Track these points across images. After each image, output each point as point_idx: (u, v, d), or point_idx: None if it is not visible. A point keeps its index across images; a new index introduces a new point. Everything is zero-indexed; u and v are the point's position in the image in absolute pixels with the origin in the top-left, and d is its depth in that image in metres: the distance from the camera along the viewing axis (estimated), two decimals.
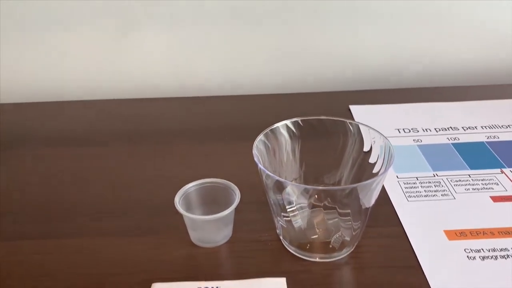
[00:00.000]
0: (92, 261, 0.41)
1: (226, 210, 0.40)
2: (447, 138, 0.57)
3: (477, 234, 0.42)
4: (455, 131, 0.58)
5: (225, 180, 0.43)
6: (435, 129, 0.59)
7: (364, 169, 0.42)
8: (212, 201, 0.43)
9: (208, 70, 0.72)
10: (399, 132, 0.58)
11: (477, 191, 0.48)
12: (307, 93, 0.70)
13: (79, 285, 0.39)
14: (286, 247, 0.41)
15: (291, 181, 0.44)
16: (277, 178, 0.37)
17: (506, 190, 0.48)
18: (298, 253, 0.41)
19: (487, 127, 0.58)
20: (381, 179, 0.38)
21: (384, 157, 0.40)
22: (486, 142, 0.56)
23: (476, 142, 0.56)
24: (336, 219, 0.39)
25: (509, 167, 0.51)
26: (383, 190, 0.48)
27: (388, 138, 0.41)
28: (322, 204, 0.38)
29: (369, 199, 0.38)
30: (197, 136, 0.59)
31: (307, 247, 0.40)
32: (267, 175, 0.38)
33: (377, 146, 0.42)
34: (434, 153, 0.54)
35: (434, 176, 0.50)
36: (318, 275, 0.39)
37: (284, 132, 0.44)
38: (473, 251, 0.41)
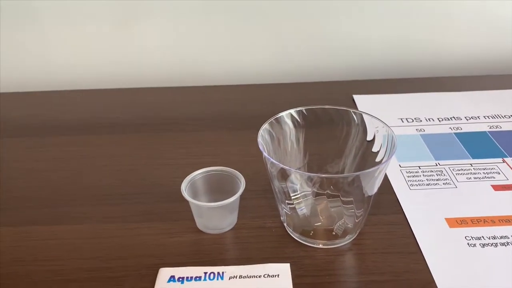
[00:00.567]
0: (101, 245, 0.42)
1: (231, 198, 0.41)
2: (450, 127, 0.57)
3: (478, 222, 0.43)
4: (458, 121, 0.58)
5: (230, 168, 0.44)
6: (438, 118, 0.59)
7: (367, 158, 0.43)
8: (217, 188, 0.44)
9: (213, 60, 0.72)
10: (402, 121, 0.59)
11: (479, 180, 0.48)
12: (311, 82, 0.70)
13: (87, 268, 0.40)
14: (290, 233, 0.42)
15: (295, 169, 0.45)
16: (282, 166, 0.38)
17: (508, 179, 0.48)
18: (301, 240, 0.41)
19: (489, 117, 0.59)
20: (384, 167, 0.38)
21: (387, 146, 0.41)
22: (489, 131, 0.56)
23: (479, 132, 0.56)
24: (339, 207, 0.40)
25: (510, 156, 0.52)
26: (386, 178, 0.48)
27: (391, 127, 0.41)
28: (326, 192, 0.39)
29: (372, 187, 0.39)
30: (203, 125, 0.60)
31: (311, 234, 0.41)
32: (272, 163, 0.38)
33: (380, 135, 0.42)
34: (437, 142, 0.54)
35: (436, 165, 0.51)
36: (321, 261, 0.40)
37: (288, 121, 0.44)
38: (473, 238, 0.41)
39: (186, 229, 0.43)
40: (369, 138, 0.43)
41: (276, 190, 0.41)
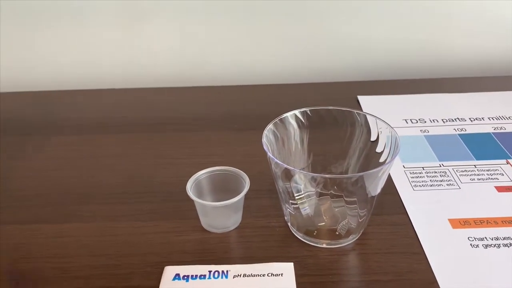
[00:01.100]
0: (108, 243, 0.43)
1: (236, 197, 0.41)
2: (454, 129, 0.57)
3: (481, 223, 0.43)
4: (462, 122, 0.59)
5: (235, 168, 0.45)
6: (442, 120, 0.59)
7: (370, 159, 0.43)
8: (222, 188, 0.44)
9: (218, 60, 0.73)
10: (407, 122, 0.59)
11: (482, 181, 0.49)
12: (315, 83, 0.70)
13: (94, 265, 0.40)
14: (294, 233, 0.43)
15: (299, 169, 0.45)
16: (286, 166, 0.38)
17: (511, 181, 0.48)
18: (305, 239, 0.42)
19: (494, 119, 0.59)
20: (387, 168, 0.39)
21: (391, 147, 0.41)
22: (493, 133, 0.56)
23: (483, 133, 0.56)
24: (343, 207, 0.40)
25: None
26: (390, 179, 0.49)
27: (394, 128, 0.42)
28: (329, 192, 0.39)
29: (375, 188, 0.40)
30: (208, 125, 0.60)
31: (314, 234, 0.41)
32: (276, 163, 0.39)
33: (383, 136, 0.43)
34: (441, 143, 0.55)
35: (440, 166, 0.51)
36: (324, 260, 0.40)
37: (293, 121, 0.45)
38: (476, 239, 0.42)
39: (191, 228, 0.44)
40: (373, 138, 0.44)
41: (280, 190, 0.41)
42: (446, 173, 0.50)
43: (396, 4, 0.69)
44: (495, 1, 0.69)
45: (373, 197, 0.40)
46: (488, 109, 0.61)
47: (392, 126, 0.42)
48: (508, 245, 0.41)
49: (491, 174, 0.49)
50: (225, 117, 0.62)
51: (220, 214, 0.43)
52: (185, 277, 0.38)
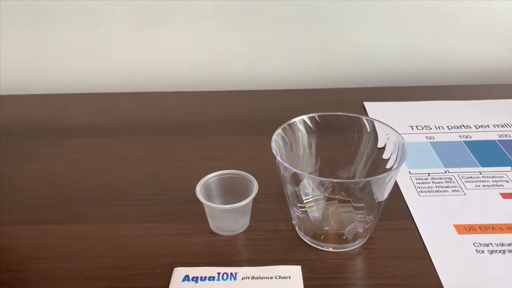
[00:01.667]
0: (117, 244, 0.43)
1: (244, 200, 0.42)
2: (459, 135, 0.58)
3: (486, 229, 0.44)
4: (468, 129, 0.59)
5: (244, 172, 0.45)
6: (447, 126, 0.60)
7: (377, 165, 0.44)
8: (231, 191, 0.45)
9: (228, 66, 0.73)
10: (412, 129, 0.59)
11: (487, 187, 0.49)
12: (323, 89, 0.71)
13: (103, 266, 0.41)
14: (301, 237, 0.43)
15: (308, 174, 0.46)
16: (295, 170, 0.39)
17: None
18: (312, 243, 0.42)
19: (499, 126, 0.59)
20: (394, 174, 0.39)
21: (398, 153, 0.42)
22: (498, 140, 0.57)
23: (488, 140, 0.57)
24: (350, 212, 0.41)
25: None
26: (396, 185, 0.49)
27: (401, 135, 0.42)
28: (337, 197, 0.40)
29: (382, 193, 0.40)
30: (218, 129, 0.61)
31: (322, 237, 0.42)
32: (285, 168, 0.39)
33: (390, 143, 0.43)
34: (446, 150, 0.55)
35: (446, 172, 0.52)
36: (331, 264, 0.41)
37: (301, 127, 0.45)
38: (481, 245, 0.42)
39: (200, 230, 0.44)
40: (380, 145, 0.44)
41: (289, 193, 0.42)
42: (451, 179, 0.50)
43: (403, 12, 0.69)
44: (504, 10, 0.69)
45: (380, 202, 0.41)
46: (493, 116, 0.61)
47: (399, 132, 0.43)
48: None
49: (496, 181, 0.50)
50: (234, 121, 0.63)
51: (228, 217, 0.43)
52: (194, 279, 0.39)
